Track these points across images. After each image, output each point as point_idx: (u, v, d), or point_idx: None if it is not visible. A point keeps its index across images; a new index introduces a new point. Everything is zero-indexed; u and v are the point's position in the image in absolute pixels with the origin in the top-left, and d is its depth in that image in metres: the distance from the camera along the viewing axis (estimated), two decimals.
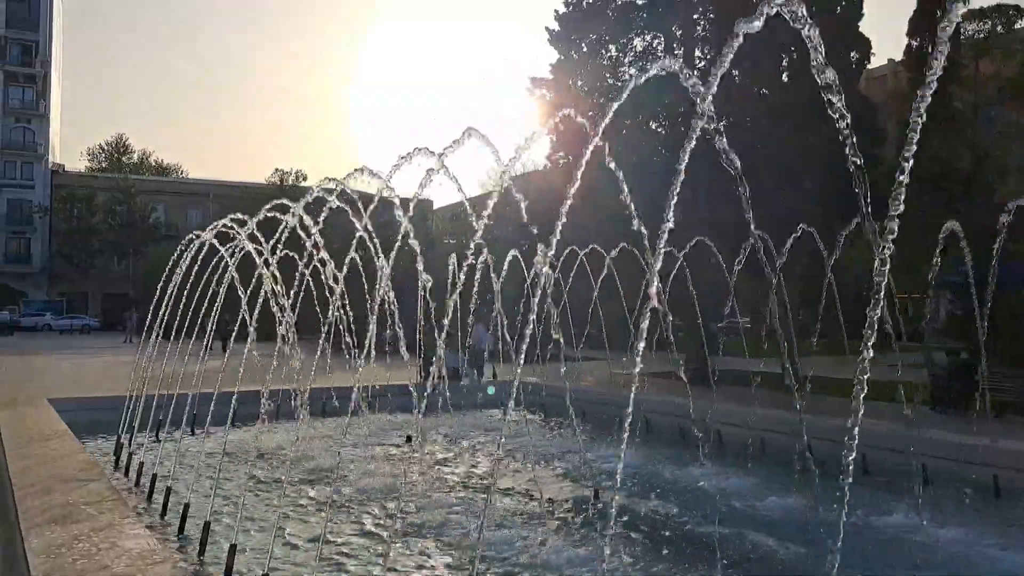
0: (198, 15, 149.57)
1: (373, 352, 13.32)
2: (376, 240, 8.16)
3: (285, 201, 8.31)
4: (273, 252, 9.15)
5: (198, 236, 10.15)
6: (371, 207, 6.82)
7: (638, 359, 3.77)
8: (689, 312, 14.74)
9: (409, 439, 11.51)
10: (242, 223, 9.17)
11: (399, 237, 6.22)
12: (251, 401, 9.89)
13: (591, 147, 4.71)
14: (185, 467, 9.61)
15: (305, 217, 7.62)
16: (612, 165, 5.22)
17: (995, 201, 20.00)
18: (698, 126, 4.02)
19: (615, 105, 5.04)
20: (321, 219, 7.20)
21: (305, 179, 79.64)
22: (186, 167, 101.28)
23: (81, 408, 12.60)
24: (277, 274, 9.49)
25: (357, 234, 7.71)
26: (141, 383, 10.74)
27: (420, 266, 10.44)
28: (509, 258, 13.90)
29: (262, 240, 9.14)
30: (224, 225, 9.75)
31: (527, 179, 42.50)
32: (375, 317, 11.19)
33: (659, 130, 23.30)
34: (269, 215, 8.33)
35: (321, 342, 7.85)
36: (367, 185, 8.86)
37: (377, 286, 6.95)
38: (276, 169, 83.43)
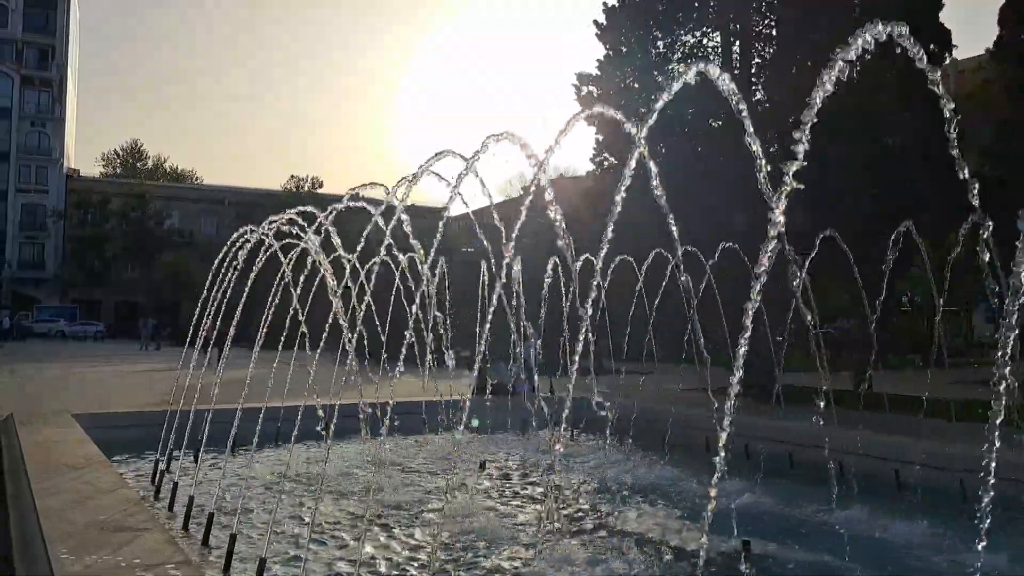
0: (213, 22, 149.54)
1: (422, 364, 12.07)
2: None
3: (374, 188, 6.98)
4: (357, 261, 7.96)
5: (253, 231, 8.82)
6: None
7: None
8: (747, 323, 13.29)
9: (483, 466, 10.09)
10: (310, 217, 7.87)
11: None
12: (300, 418, 8.64)
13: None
14: (236, 499, 8.25)
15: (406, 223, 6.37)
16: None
17: None
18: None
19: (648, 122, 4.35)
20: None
21: (321, 186, 78.74)
22: (201, 173, 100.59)
23: (110, 425, 11.25)
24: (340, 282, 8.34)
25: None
26: (179, 396, 9.45)
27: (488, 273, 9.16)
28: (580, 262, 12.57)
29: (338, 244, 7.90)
30: (287, 222, 8.42)
31: (560, 184, 41.09)
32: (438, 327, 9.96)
33: (714, 126, 21.92)
34: (351, 204, 7.00)
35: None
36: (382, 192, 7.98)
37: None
38: (292, 176, 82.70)
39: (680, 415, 12.31)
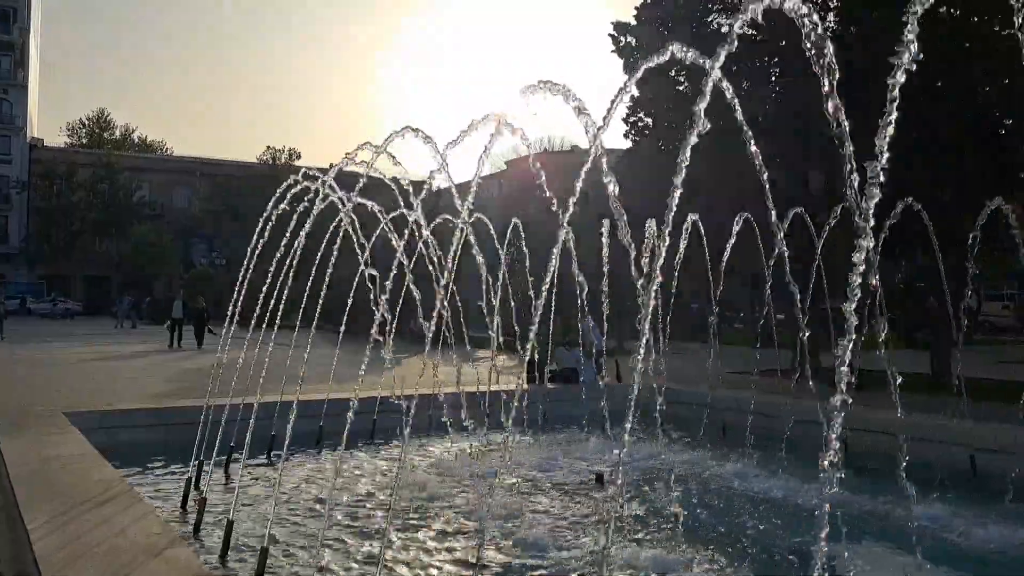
0: None
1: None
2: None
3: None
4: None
5: (324, 173, 6.65)
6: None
7: None
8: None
9: (600, 479, 8.00)
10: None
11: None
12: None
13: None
14: (312, 539, 6.19)
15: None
16: None
17: None
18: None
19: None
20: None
21: (299, 157, 75.45)
22: (171, 144, 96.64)
23: (114, 426, 9.04)
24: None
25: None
26: (215, 390, 7.33)
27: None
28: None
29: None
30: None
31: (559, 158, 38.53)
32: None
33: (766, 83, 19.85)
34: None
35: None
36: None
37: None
38: (267, 147, 79.29)
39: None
